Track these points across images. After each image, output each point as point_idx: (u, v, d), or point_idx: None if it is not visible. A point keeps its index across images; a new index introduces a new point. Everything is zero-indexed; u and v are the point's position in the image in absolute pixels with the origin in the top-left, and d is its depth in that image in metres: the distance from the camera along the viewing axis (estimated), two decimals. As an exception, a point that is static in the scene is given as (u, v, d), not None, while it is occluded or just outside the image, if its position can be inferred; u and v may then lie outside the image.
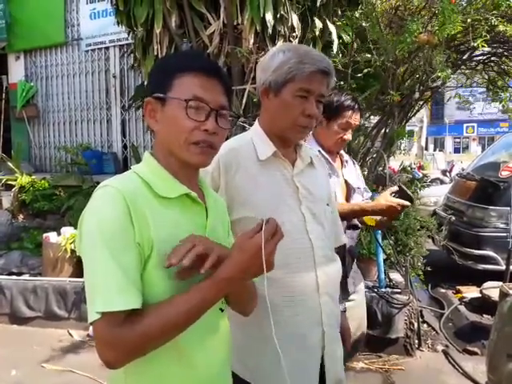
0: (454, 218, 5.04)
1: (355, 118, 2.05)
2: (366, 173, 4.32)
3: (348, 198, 2.14)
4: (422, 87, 4.01)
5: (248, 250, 0.87)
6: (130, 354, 0.84)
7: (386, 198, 1.89)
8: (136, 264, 0.86)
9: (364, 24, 3.28)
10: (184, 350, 0.93)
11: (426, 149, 24.95)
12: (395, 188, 1.91)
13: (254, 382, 1.28)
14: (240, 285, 0.96)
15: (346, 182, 2.13)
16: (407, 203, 1.86)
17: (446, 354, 3.26)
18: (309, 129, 1.33)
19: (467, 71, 4.36)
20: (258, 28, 3.53)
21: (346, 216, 1.94)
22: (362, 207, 1.94)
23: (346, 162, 2.19)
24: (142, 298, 0.85)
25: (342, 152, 2.20)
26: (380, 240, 3.52)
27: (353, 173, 2.19)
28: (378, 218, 1.99)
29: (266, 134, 1.34)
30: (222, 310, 1.04)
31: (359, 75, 3.52)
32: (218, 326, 1.02)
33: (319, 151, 2.07)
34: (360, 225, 2.16)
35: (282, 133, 1.32)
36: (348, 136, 2.07)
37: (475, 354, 3.29)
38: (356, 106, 2.05)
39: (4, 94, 7.01)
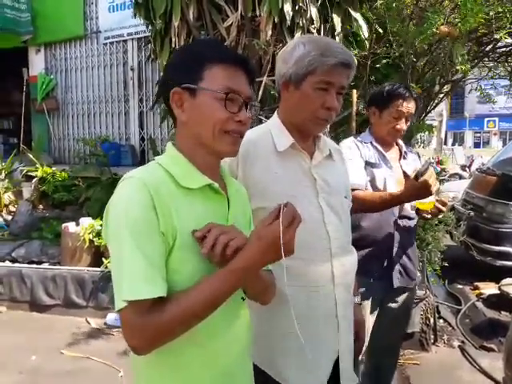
0: (473, 214, 4.96)
1: (407, 107, 1.99)
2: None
3: None
4: (442, 80, 3.94)
5: (266, 237, 0.88)
6: (156, 340, 0.86)
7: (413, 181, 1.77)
8: (161, 252, 0.87)
9: (384, 15, 3.23)
10: (205, 338, 0.94)
11: (445, 143, 24.54)
12: (423, 168, 1.74)
13: (270, 372, 1.29)
14: (257, 273, 0.97)
15: (404, 173, 2.02)
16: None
17: (462, 349, 3.23)
18: (328, 122, 1.32)
19: (490, 64, 4.26)
20: (276, 20, 3.51)
21: (375, 205, 1.87)
22: (392, 194, 1.84)
23: (406, 153, 2.12)
24: (168, 286, 0.87)
25: (401, 143, 2.15)
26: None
27: (417, 165, 2.07)
28: (433, 199, 1.87)
29: (285, 126, 1.34)
30: (243, 299, 1.05)
31: (377, 66, 3.47)
32: (239, 314, 1.03)
33: (371, 143, 2.05)
34: (414, 215, 2.07)
35: (302, 125, 1.32)
36: (401, 125, 2.01)
37: (492, 350, 3.25)
38: (407, 94, 1.99)
39: (25, 87, 7.13)
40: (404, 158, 2.11)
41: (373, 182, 1.98)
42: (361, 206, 1.85)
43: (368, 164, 2.00)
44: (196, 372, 0.95)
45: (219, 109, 0.94)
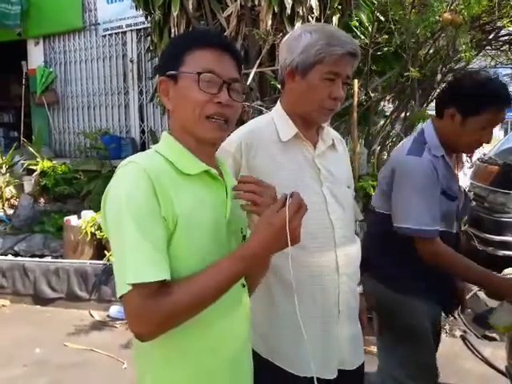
0: (474, 203, 4.95)
1: (503, 115, 1.54)
2: (386, 157, 4.26)
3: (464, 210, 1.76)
4: (444, 69, 3.90)
5: (275, 224, 0.88)
6: (162, 326, 0.86)
7: None
8: (163, 237, 0.87)
9: (386, 3, 3.20)
10: (208, 323, 0.95)
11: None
12: None
13: (274, 360, 1.29)
14: (264, 259, 0.98)
15: (465, 194, 1.76)
16: None
17: (464, 339, 3.24)
18: (334, 111, 1.31)
19: (492, 52, 4.22)
20: (275, 9, 3.48)
21: (461, 275, 1.66)
22: (492, 279, 1.63)
23: (463, 164, 1.82)
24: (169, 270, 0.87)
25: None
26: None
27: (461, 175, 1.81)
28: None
29: (288, 116, 1.33)
30: (243, 286, 1.06)
31: (379, 53, 3.44)
32: (241, 300, 1.04)
33: (442, 157, 1.60)
34: None
35: (307, 115, 1.31)
36: (489, 137, 1.56)
37: (494, 339, 3.26)
38: (509, 100, 1.53)
39: (24, 80, 7.09)
40: (460, 170, 1.76)
41: (446, 217, 1.61)
42: (439, 264, 1.59)
43: (444, 194, 1.59)
44: (202, 357, 0.95)
45: (196, 91, 0.93)
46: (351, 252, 1.35)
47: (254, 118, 1.46)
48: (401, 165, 1.61)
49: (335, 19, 3.68)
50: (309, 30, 1.26)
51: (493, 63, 4.17)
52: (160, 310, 0.83)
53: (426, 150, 1.59)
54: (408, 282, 1.67)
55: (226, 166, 1.11)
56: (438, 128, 1.63)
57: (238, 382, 1.02)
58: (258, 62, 3.52)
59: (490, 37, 3.94)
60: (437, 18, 2.68)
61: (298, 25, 3.55)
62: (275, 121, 1.34)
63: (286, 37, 1.33)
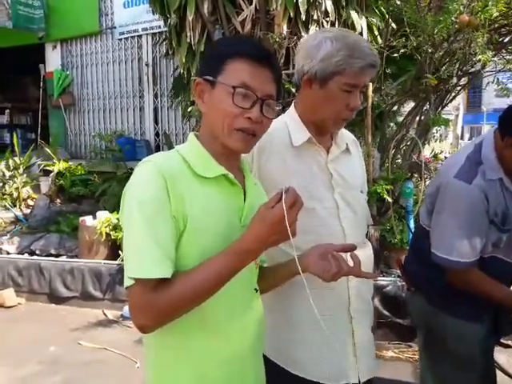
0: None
1: None
2: (400, 160, 4.23)
3: None
4: (460, 72, 3.87)
5: (270, 219, 0.88)
6: (160, 318, 0.88)
7: None
8: (171, 236, 0.89)
9: (400, 4, 3.18)
10: (216, 325, 0.96)
11: (462, 138, 24.13)
12: None
13: (283, 363, 1.29)
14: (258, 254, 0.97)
15: None
16: None
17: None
18: (348, 120, 1.30)
19: (508, 56, 4.17)
20: (290, 13, 3.49)
21: (480, 293, 1.48)
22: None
23: None
24: (175, 269, 0.89)
25: None
26: (413, 229, 3.46)
27: None
28: None
29: (302, 121, 1.32)
30: (256, 290, 1.06)
31: (395, 55, 3.42)
32: (252, 304, 1.04)
33: (500, 180, 1.44)
34: None
35: (322, 122, 1.29)
36: None
37: (509, 346, 3.21)
38: None
39: (41, 83, 7.23)
40: None
41: (498, 245, 1.47)
42: (472, 292, 1.47)
43: (493, 223, 1.44)
44: (203, 356, 0.96)
45: (229, 103, 0.94)
46: (361, 257, 1.33)
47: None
48: (446, 187, 1.48)
49: (354, 20, 3.66)
50: (329, 37, 1.22)
51: (508, 67, 4.11)
52: (158, 303, 0.86)
53: (479, 173, 1.42)
54: (454, 301, 1.55)
55: (248, 169, 1.11)
56: (499, 148, 1.44)
57: None
58: (280, 66, 3.54)
59: (506, 40, 3.90)
60: (453, 19, 2.65)
61: (312, 29, 3.56)
62: (288, 125, 1.32)
63: (304, 41, 1.31)
